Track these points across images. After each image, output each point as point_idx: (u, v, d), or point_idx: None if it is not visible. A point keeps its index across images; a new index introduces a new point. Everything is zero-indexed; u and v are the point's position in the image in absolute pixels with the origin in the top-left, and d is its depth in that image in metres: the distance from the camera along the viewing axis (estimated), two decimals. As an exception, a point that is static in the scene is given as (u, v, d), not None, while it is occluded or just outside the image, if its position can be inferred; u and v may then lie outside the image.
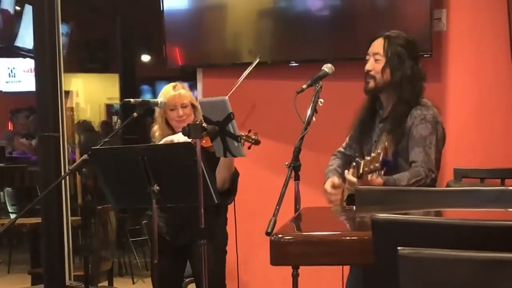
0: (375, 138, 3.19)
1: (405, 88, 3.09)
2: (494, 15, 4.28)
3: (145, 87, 13.43)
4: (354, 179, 2.78)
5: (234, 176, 3.51)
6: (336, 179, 3.23)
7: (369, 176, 2.72)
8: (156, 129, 3.65)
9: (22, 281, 6.11)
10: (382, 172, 2.80)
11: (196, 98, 3.77)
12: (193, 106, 3.60)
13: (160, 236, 3.61)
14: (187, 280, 3.96)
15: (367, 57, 3.19)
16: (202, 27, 4.84)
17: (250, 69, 3.52)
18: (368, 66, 3.16)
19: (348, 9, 4.48)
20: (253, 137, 3.22)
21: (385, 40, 3.14)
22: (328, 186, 3.21)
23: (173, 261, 3.58)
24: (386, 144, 2.64)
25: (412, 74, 3.10)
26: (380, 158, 2.54)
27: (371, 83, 3.15)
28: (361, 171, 2.66)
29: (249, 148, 3.28)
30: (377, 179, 2.79)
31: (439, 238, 1.58)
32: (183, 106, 3.55)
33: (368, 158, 2.63)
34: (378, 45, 3.15)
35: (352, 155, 3.35)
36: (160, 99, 3.52)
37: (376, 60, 3.14)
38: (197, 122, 3.12)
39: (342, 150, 3.40)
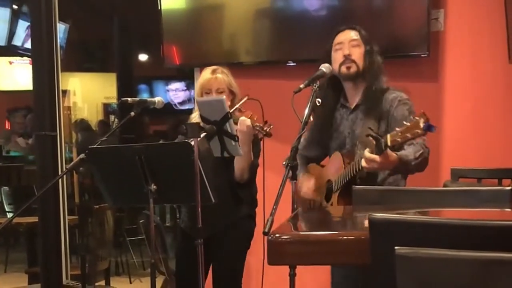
0: (347, 130, 3.23)
1: (378, 77, 3.17)
2: (492, 15, 4.28)
3: (142, 87, 13.42)
4: (375, 156, 2.78)
5: (253, 165, 3.45)
6: (310, 175, 3.29)
7: (388, 151, 2.74)
8: (194, 116, 3.59)
9: (19, 280, 6.11)
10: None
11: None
12: (231, 92, 3.50)
13: (183, 232, 3.61)
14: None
15: (339, 46, 3.23)
16: (200, 27, 4.84)
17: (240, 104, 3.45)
18: (346, 51, 3.19)
19: (346, 8, 4.48)
20: (266, 129, 3.20)
21: (356, 29, 3.24)
22: (305, 181, 3.28)
23: (193, 256, 3.57)
24: (423, 111, 2.62)
25: (381, 64, 3.20)
26: (421, 124, 2.51)
27: (354, 67, 3.19)
28: (388, 143, 2.64)
29: (260, 139, 3.28)
30: (393, 155, 2.82)
31: (436, 238, 1.58)
32: (219, 91, 3.45)
33: (398, 129, 2.61)
34: (353, 34, 3.23)
35: (310, 156, 3.44)
36: (157, 98, 3.51)
37: (353, 46, 3.19)
38: (195, 122, 3.12)
39: (300, 152, 3.38)
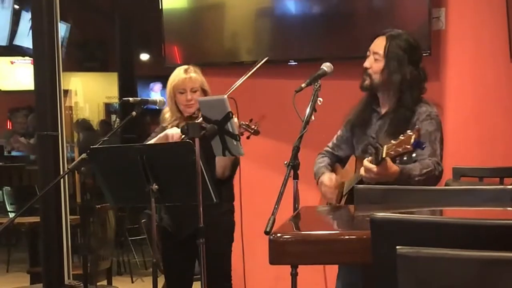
0: (372, 135, 3.18)
1: (404, 92, 3.09)
2: (493, 13, 4.28)
3: (144, 86, 13.42)
4: (373, 166, 2.77)
5: (235, 163, 3.47)
6: (333, 176, 3.23)
7: (388, 162, 2.73)
8: (166, 111, 3.61)
9: (21, 280, 6.11)
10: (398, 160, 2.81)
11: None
12: (203, 91, 3.53)
13: (165, 230, 3.61)
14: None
15: (368, 53, 3.18)
16: (201, 26, 4.84)
17: (255, 69, 3.47)
18: (366, 63, 3.16)
19: (347, 8, 4.48)
20: (253, 127, 3.21)
21: (387, 40, 3.12)
22: (326, 179, 3.21)
23: (178, 254, 3.57)
24: (417, 127, 2.62)
25: (411, 79, 3.09)
26: (412, 140, 2.52)
27: (367, 81, 3.16)
28: (383, 155, 2.65)
29: (248, 138, 3.27)
30: (393, 166, 2.80)
31: (438, 237, 1.58)
32: (193, 91, 3.48)
33: (393, 142, 2.62)
34: (379, 44, 3.13)
35: (340, 156, 3.37)
36: (158, 98, 3.51)
37: (375, 60, 3.13)
38: (196, 122, 3.12)
39: (330, 150, 3.40)
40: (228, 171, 3.46)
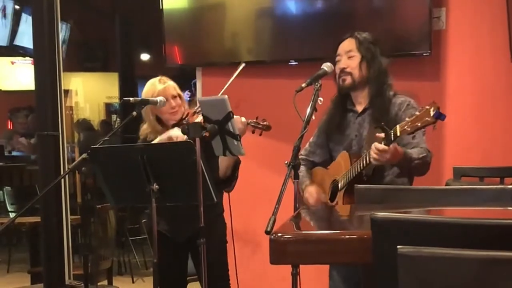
0: (355, 133, 3.25)
1: (381, 81, 3.19)
2: (494, 13, 4.28)
3: (144, 86, 13.41)
4: (385, 146, 2.81)
5: (236, 163, 3.50)
6: (314, 188, 3.31)
7: (396, 144, 2.80)
8: (146, 128, 3.65)
9: (21, 280, 6.11)
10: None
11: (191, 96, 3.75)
12: (179, 96, 3.60)
13: (160, 233, 3.61)
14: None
15: (338, 58, 3.26)
16: (201, 26, 4.84)
17: (234, 77, 3.53)
18: (341, 65, 3.24)
19: (347, 7, 4.48)
20: (263, 123, 3.23)
21: (355, 39, 3.25)
22: (313, 192, 3.28)
23: (175, 258, 3.58)
24: (434, 101, 2.63)
25: (385, 67, 3.22)
26: (432, 112, 2.53)
27: (348, 80, 3.22)
28: (398, 133, 2.69)
29: (260, 134, 3.31)
30: (400, 148, 2.89)
31: (438, 236, 1.58)
32: (174, 97, 3.55)
33: (408, 119, 2.65)
34: (348, 44, 3.25)
35: (315, 161, 3.44)
36: (159, 98, 3.50)
37: (350, 57, 3.22)
38: (196, 121, 3.12)
39: (305, 157, 3.45)
40: (230, 171, 3.47)
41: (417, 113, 2.62)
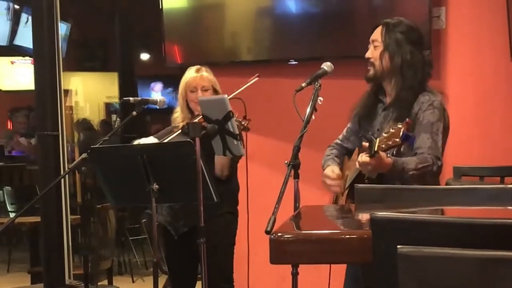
0: (377, 126, 3.13)
1: (406, 73, 3.02)
2: (493, 12, 4.28)
3: (144, 86, 13.42)
4: (367, 159, 2.72)
5: (233, 162, 3.49)
6: (336, 168, 3.19)
7: (381, 154, 2.70)
8: (176, 111, 3.65)
9: (21, 280, 6.11)
10: (394, 151, 2.79)
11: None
12: (215, 91, 3.57)
13: (165, 230, 3.62)
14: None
15: (369, 46, 3.16)
16: (201, 26, 4.84)
17: (246, 86, 3.49)
18: (367, 54, 3.13)
19: (347, 7, 4.48)
20: (244, 123, 3.20)
21: (384, 26, 3.10)
22: (329, 172, 3.15)
23: (182, 254, 3.58)
24: (407, 120, 2.60)
25: (411, 58, 3.02)
26: (401, 133, 2.48)
27: (371, 71, 3.12)
28: (375, 148, 2.62)
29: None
30: (386, 159, 2.76)
31: (439, 236, 1.58)
32: (204, 89, 3.53)
33: (385, 134, 2.59)
34: (377, 32, 3.12)
35: (349, 148, 3.32)
36: (159, 97, 3.51)
37: (375, 47, 3.10)
38: (196, 121, 3.12)
39: (340, 142, 3.36)
40: (226, 170, 3.47)
41: (392, 130, 2.55)
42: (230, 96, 3.39)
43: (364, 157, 2.75)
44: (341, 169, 3.26)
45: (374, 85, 3.19)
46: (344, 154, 3.35)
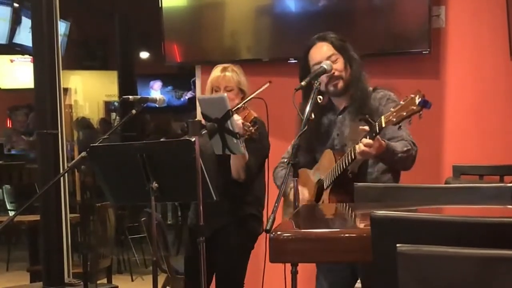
0: (336, 132, 3.17)
1: (359, 75, 3.11)
2: (493, 12, 4.28)
3: (143, 84, 13.42)
4: (370, 141, 2.72)
5: (248, 166, 3.41)
6: (307, 193, 3.22)
7: (379, 137, 2.72)
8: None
9: (20, 279, 6.11)
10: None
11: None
12: (241, 90, 3.52)
13: (191, 230, 3.63)
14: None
15: (316, 67, 3.08)
16: (201, 24, 4.84)
17: (258, 92, 3.44)
18: (335, 67, 3.10)
19: (347, 5, 4.47)
20: (251, 129, 3.19)
21: (327, 40, 3.15)
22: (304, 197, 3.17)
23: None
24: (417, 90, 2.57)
25: (361, 61, 3.14)
26: (417, 100, 2.46)
27: (340, 83, 3.12)
28: (383, 124, 2.62)
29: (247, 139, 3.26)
30: (382, 141, 2.79)
31: (438, 235, 1.58)
32: (227, 90, 3.47)
33: (393, 109, 2.58)
34: (325, 49, 3.14)
35: (299, 163, 3.28)
36: (158, 96, 3.51)
37: (334, 61, 3.10)
38: (196, 119, 3.12)
39: (288, 161, 3.23)
40: (242, 174, 3.40)
41: (402, 102, 2.54)
42: (242, 103, 3.35)
43: (367, 140, 2.74)
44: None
45: (315, 104, 3.12)
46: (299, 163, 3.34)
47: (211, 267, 3.59)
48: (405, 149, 2.92)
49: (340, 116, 3.18)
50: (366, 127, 2.73)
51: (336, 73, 3.10)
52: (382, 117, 2.64)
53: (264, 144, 3.49)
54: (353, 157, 2.85)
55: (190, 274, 3.66)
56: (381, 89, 3.15)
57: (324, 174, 3.13)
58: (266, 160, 3.50)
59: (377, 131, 2.69)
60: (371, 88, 3.15)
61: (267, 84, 3.36)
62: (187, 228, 3.71)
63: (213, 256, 3.48)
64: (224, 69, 3.53)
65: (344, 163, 2.92)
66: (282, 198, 3.07)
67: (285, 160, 3.30)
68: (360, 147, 2.77)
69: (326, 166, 3.12)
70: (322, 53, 3.13)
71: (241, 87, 3.52)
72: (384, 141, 2.83)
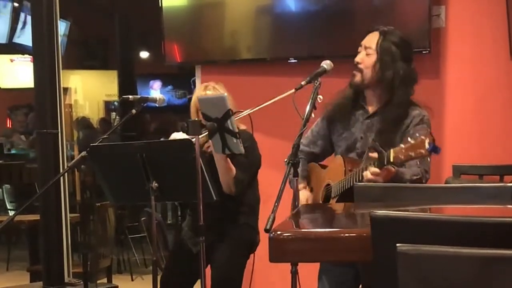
0: (360, 134, 3.12)
1: (398, 89, 3.02)
2: (493, 11, 4.27)
3: (143, 84, 13.42)
4: (377, 170, 2.71)
5: (238, 181, 3.44)
6: (310, 195, 3.20)
7: (388, 167, 2.68)
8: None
9: (20, 278, 6.11)
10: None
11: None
12: None
13: (182, 242, 3.62)
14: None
15: (359, 49, 3.12)
16: (201, 24, 4.83)
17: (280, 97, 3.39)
18: (358, 58, 3.10)
19: (347, 5, 4.47)
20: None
21: (380, 35, 3.08)
22: (303, 200, 3.14)
23: (187, 267, 3.54)
24: (429, 130, 2.55)
25: (404, 75, 3.03)
26: (427, 144, 2.44)
27: (358, 77, 3.09)
28: (391, 159, 2.58)
29: None
30: (392, 169, 2.75)
31: (438, 234, 1.58)
32: None
33: (402, 145, 2.54)
34: (371, 39, 3.09)
35: (315, 152, 3.27)
36: (158, 96, 3.50)
37: (367, 54, 3.08)
38: (196, 119, 3.12)
39: (305, 148, 3.28)
40: (233, 188, 3.42)
41: (412, 141, 2.50)
42: (251, 110, 3.32)
43: (373, 169, 2.73)
44: (309, 181, 3.28)
45: (354, 90, 3.16)
46: (311, 161, 3.32)
47: (193, 278, 3.60)
48: (414, 178, 2.86)
49: (369, 120, 3.11)
50: (375, 155, 2.70)
51: (361, 65, 3.07)
52: (392, 150, 2.59)
53: (252, 157, 3.49)
54: (360, 178, 2.83)
55: (168, 283, 3.63)
56: (417, 107, 3.06)
57: (332, 181, 3.11)
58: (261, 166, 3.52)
59: (385, 163, 2.65)
60: (409, 100, 3.06)
61: (292, 91, 3.25)
62: (180, 239, 3.69)
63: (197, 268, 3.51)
64: (205, 88, 3.55)
65: (352, 181, 2.89)
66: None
67: (303, 147, 3.20)
68: (367, 175, 2.76)
69: (336, 173, 3.10)
70: (366, 40, 3.10)
71: None
72: (394, 167, 2.77)
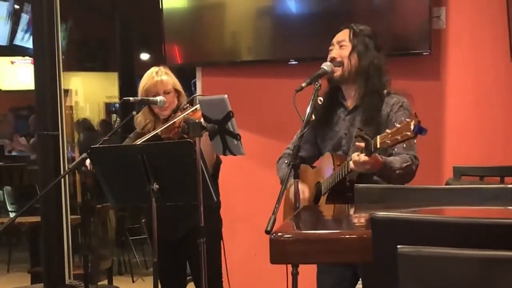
0: (344, 131, 3.13)
1: (373, 77, 3.06)
2: (493, 13, 4.28)
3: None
4: (365, 158, 2.71)
5: (217, 162, 3.48)
6: (306, 187, 3.19)
7: (375, 155, 2.69)
8: (138, 115, 3.57)
9: (21, 280, 6.11)
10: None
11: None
12: (176, 91, 3.54)
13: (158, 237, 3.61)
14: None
15: (330, 48, 3.15)
16: (201, 26, 4.84)
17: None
18: (332, 54, 3.12)
19: (347, 7, 4.48)
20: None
21: (350, 29, 3.14)
22: (301, 193, 3.08)
23: (173, 258, 3.56)
24: (414, 112, 2.57)
25: (378, 63, 3.08)
26: (412, 126, 2.45)
27: (339, 72, 3.09)
28: (378, 145, 2.60)
29: None
30: (380, 158, 2.77)
31: (439, 236, 1.58)
32: (166, 93, 3.48)
33: (388, 130, 2.56)
34: (343, 34, 3.15)
35: (303, 156, 3.23)
36: (159, 97, 3.48)
37: (341, 47, 3.12)
38: (197, 121, 3.12)
39: (291, 152, 3.22)
40: (211, 170, 3.43)
41: (398, 125, 2.52)
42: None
43: (362, 156, 2.74)
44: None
45: (330, 89, 3.18)
46: (300, 164, 3.33)
47: (182, 268, 3.61)
48: (404, 165, 2.88)
49: (350, 115, 3.13)
50: (362, 144, 2.71)
51: (338, 59, 3.10)
52: (378, 137, 2.62)
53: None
54: (349, 170, 2.84)
55: (166, 280, 3.63)
56: (395, 94, 3.08)
57: (322, 178, 3.12)
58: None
59: (372, 150, 2.67)
60: (386, 91, 3.09)
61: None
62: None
63: (185, 257, 3.55)
64: (157, 73, 3.52)
65: (341, 173, 2.91)
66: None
67: (289, 152, 3.26)
68: (352, 163, 2.78)
69: (326, 170, 3.11)
70: (337, 37, 3.16)
71: (176, 88, 3.55)
72: (381, 157, 2.80)
